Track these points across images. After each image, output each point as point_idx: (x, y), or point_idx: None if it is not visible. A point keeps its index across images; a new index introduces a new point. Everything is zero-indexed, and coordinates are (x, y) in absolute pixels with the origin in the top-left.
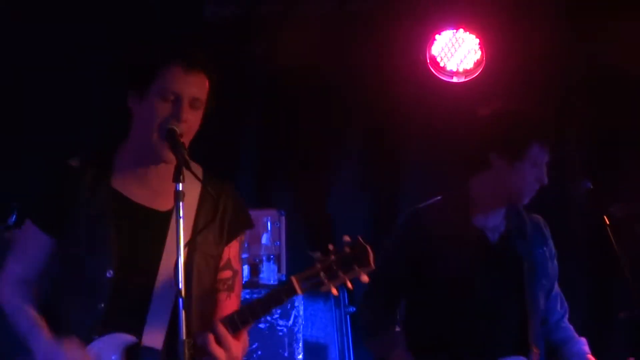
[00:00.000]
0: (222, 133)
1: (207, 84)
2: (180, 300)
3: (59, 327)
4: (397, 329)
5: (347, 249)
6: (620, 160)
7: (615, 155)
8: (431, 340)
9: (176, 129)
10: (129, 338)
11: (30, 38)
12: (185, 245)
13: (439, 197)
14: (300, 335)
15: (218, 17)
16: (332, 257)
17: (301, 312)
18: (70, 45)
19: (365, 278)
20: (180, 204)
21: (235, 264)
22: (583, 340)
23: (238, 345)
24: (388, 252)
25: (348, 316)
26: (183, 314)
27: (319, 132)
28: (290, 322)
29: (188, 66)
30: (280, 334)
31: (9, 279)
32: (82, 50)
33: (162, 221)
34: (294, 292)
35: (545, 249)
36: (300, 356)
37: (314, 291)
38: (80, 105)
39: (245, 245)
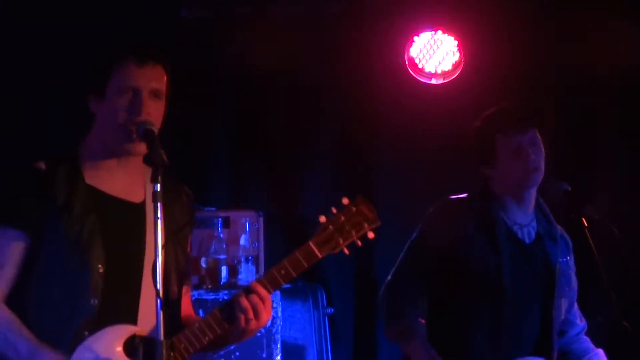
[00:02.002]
0: (197, 135)
1: (164, 76)
2: (158, 300)
3: (46, 328)
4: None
5: (354, 209)
6: (597, 162)
7: (593, 157)
8: (452, 340)
9: (154, 130)
10: (129, 328)
11: (26, 38)
12: (165, 243)
13: (467, 193)
14: (278, 337)
15: (193, 18)
16: (342, 217)
17: (279, 313)
18: (48, 45)
19: (371, 234)
20: (159, 204)
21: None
22: (601, 351)
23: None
24: (416, 242)
25: (326, 317)
26: (161, 314)
27: (295, 133)
28: (268, 323)
29: (141, 60)
30: (258, 335)
31: None
32: (60, 51)
33: (138, 213)
34: (315, 257)
35: (568, 258)
36: (279, 357)
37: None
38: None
39: (224, 247)
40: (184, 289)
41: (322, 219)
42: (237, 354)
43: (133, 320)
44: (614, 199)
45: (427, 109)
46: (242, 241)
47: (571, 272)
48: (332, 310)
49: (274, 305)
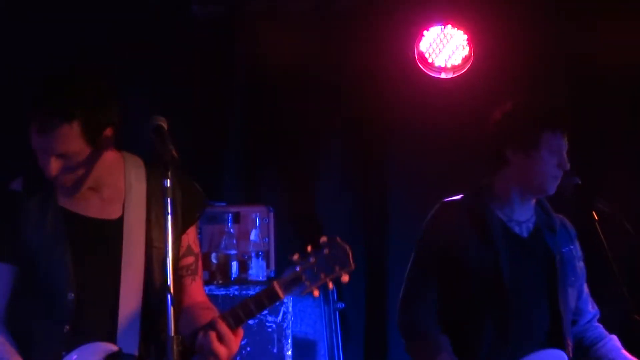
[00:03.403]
0: (209, 130)
1: (72, 131)
2: (169, 296)
3: (24, 352)
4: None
5: (326, 250)
6: (608, 156)
7: (603, 151)
8: (461, 340)
9: (163, 125)
10: (107, 346)
11: (30, 38)
12: (153, 245)
13: (462, 194)
14: (289, 332)
15: (204, 14)
16: (312, 259)
17: (290, 309)
18: (60, 45)
19: (345, 278)
20: (168, 200)
21: (195, 247)
22: (614, 337)
23: (237, 342)
24: (420, 251)
25: (337, 312)
26: (171, 310)
27: (306, 128)
28: (279, 318)
29: (41, 128)
30: (269, 330)
31: None
32: (68, 50)
33: (116, 230)
34: (277, 297)
35: (572, 247)
36: (289, 352)
37: (296, 293)
38: None
39: (234, 242)
40: (187, 280)
41: (296, 257)
42: (249, 349)
43: (112, 338)
44: (626, 194)
45: (436, 103)
46: (252, 236)
47: (576, 260)
48: (343, 305)
49: (285, 300)
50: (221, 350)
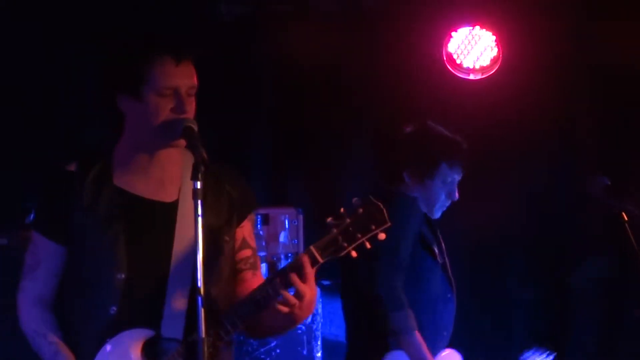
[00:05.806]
0: (237, 131)
1: (194, 71)
2: (199, 298)
3: (68, 334)
4: None
5: (361, 210)
6: (637, 157)
7: (633, 151)
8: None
9: (193, 127)
10: (146, 332)
11: (58, 34)
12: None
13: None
14: (319, 333)
15: (231, 15)
16: (348, 220)
17: (320, 310)
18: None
19: (382, 236)
20: (199, 202)
21: (251, 242)
22: None
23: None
24: (401, 234)
25: None
26: (202, 312)
27: (335, 129)
28: (309, 320)
29: (178, 58)
30: (299, 332)
31: (26, 300)
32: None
33: (169, 212)
34: (316, 262)
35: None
36: (319, 354)
37: (334, 258)
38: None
39: (263, 244)
40: (247, 274)
41: (330, 219)
42: (278, 350)
43: (157, 325)
44: None
45: (465, 104)
46: (281, 238)
47: None
48: None
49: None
50: (306, 289)
